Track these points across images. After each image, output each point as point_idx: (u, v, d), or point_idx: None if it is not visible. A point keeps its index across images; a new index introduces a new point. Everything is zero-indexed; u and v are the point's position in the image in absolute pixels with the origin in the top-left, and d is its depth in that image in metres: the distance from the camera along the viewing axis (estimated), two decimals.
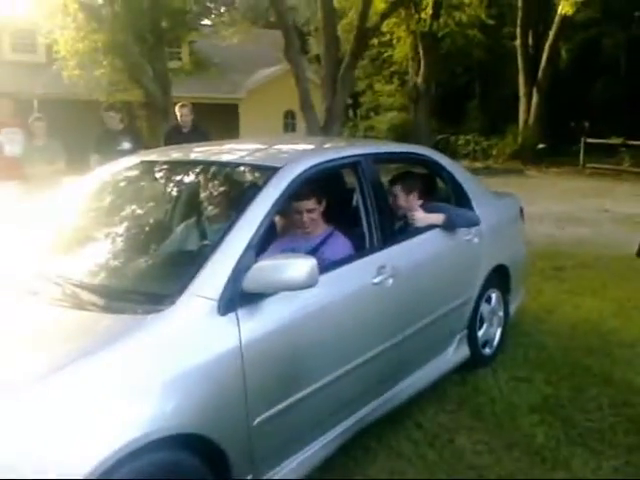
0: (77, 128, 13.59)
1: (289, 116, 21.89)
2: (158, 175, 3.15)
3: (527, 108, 21.45)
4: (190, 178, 3.05)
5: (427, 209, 3.48)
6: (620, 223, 9.55)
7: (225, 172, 2.93)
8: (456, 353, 3.63)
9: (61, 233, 2.89)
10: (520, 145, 20.52)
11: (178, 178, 3.14)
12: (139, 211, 3.05)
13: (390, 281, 2.89)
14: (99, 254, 2.65)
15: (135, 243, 2.79)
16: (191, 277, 2.17)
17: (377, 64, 24.35)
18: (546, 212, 10.60)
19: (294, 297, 2.36)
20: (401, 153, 3.71)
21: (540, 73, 21.00)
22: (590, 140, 18.47)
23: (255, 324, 2.23)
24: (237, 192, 2.75)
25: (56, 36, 13.74)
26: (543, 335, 4.50)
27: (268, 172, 2.63)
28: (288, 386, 2.38)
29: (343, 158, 3.08)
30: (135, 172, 3.21)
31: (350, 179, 3.16)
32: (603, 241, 8.19)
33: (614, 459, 2.92)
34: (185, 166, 3.13)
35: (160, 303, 2.08)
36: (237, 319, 2.17)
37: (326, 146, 3.74)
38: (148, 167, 3.24)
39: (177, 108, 6.78)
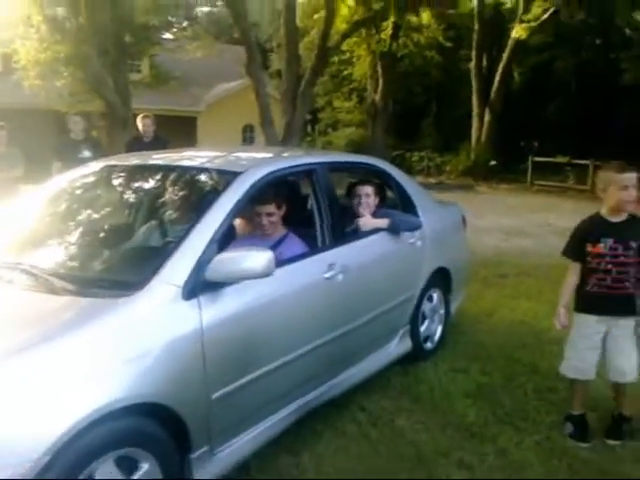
0: (36, 137, 13.61)
1: (248, 130, 22.20)
2: (122, 178, 3.40)
3: (480, 127, 22.31)
4: (153, 181, 3.29)
5: (376, 214, 3.83)
6: (562, 235, 9.87)
7: (187, 176, 3.19)
8: (399, 346, 3.95)
9: (32, 230, 3.10)
10: (472, 162, 21.31)
11: (141, 181, 3.38)
12: (105, 211, 3.28)
13: (340, 277, 3.19)
14: (69, 248, 2.88)
15: (102, 239, 3.02)
16: (159, 266, 2.43)
17: (337, 81, 24.97)
18: (494, 225, 11.14)
19: (251, 288, 2.63)
20: (354, 162, 4.05)
21: (493, 94, 21.91)
22: (537, 159, 19.38)
23: (215, 310, 2.49)
24: (200, 195, 3.01)
25: (16, 46, 13.73)
26: (481, 333, 4.88)
27: (230, 176, 2.91)
28: (243, 367, 2.64)
29: (300, 165, 3.41)
30: (100, 175, 3.46)
31: (305, 185, 3.46)
32: (545, 251, 8.67)
33: (536, 434, 3.27)
34: (148, 170, 3.38)
35: (130, 289, 2.33)
36: (199, 304, 2.43)
37: (284, 155, 4.05)
38: (112, 171, 3.48)
39: (139, 119, 6.97)
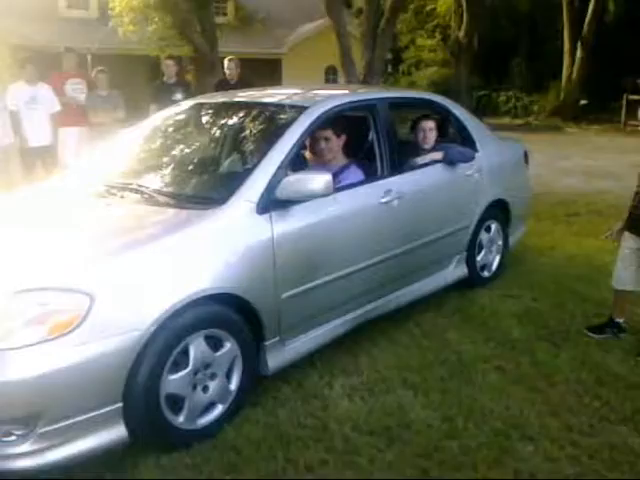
0: (132, 81, 14.45)
1: (330, 72, 22.28)
2: (209, 114, 3.94)
3: (571, 64, 21.32)
4: (234, 116, 3.80)
5: (435, 148, 4.16)
6: None
7: (263, 111, 3.66)
8: (454, 271, 4.32)
9: (137, 159, 3.72)
10: (562, 102, 20.53)
11: (225, 116, 3.90)
12: (195, 142, 3.82)
13: (395, 202, 3.59)
14: (167, 173, 3.46)
15: (193, 166, 3.58)
16: (237, 186, 2.93)
17: (420, 18, 24.34)
18: (577, 166, 11.00)
19: (315, 207, 3.10)
20: (414, 98, 4.38)
21: (585, 27, 20.77)
22: (633, 97, 18.38)
23: (284, 224, 2.97)
24: (273, 127, 3.45)
25: None
26: (540, 265, 5.15)
27: (298, 111, 3.35)
28: (308, 274, 3.13)
29: (361, 101, 3.80)
30: (190, 112, 3.99)
31: (367, 119, 3.82)
32: (624, 193, 8.49)
33: (573, 351, 3.59)
34: (230, 107, 3.91)
35: (215, 204, 2.86)
36: (270, 218, 2.93)
37: (348, 92, 4.43)
38: (200, 108, 4.01)
39: (225, 62, 7.44)
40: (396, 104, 4.02)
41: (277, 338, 3.05)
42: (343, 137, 3.70)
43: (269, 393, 3.09)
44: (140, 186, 3.16)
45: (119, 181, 3.30)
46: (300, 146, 3.28)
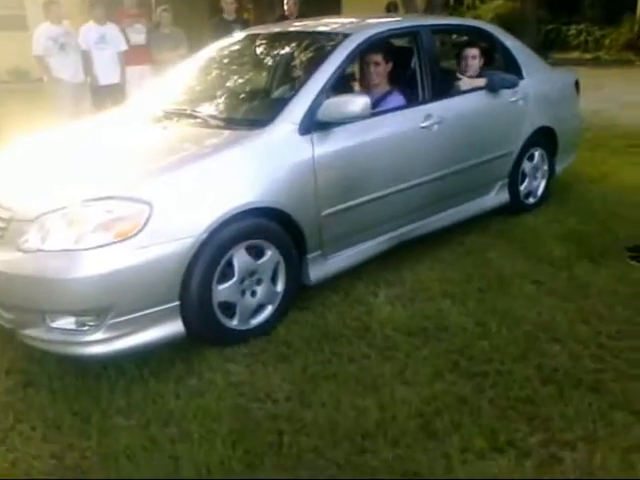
0: (194, 19, 14.60)
1: (392, 8, 21.68)
2: (261, 44, 4.13)
3: None
4: (285, 44, 4.00)
5: (480, 75, 4.23)
6: None
7: (310, 39, 3.80)
8: (496, 197, 4.42)
9: (192, 87, 4.00)
10: (636, 34, 19.34)
11: (276, 45, 4.09)
12: (247, 70, 4.05)
13: (435, 127, 3.72)
14: (219, 99, 3.70)
15: (242, 92, 3.82)
16: (281, 109, 3.15)
17: None
18: None
19: (356, 130, 3.28)
20: (459, 25, 4.42)
21: None
22: None
23: (326, 144, 3.17)
24: (317, 53, 3.59)
25: None
26: (591, 193, 5.15)
27: (340, 37, 3.50)
28: (348, 193, 3.33)
29: (403, 28, 3.89)
30: (244, 42, 4.23)
31: (410, 47, 3.93)
32: None
33: (613, 268, 3.69)
34: (281, 36, 4.10)
35: (260, 126, 3.10)
36: (312, 139, 3.13)
37: (391, 20, 4.50)
38: (254, 38, 4.23)
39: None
40: (440, 31, 4.08)
41: (319, 252, 3.29)
42: (390, 64, 3.83)
43: (318, 300, 3.37)
44: (194, 111, 3.43)
45: (175, 108, 3.58)
46: (342, 71, 3.43)
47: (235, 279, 2.90)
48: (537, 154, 4.64)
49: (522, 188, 4.61)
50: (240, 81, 3.95)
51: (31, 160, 3.28)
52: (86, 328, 2.63)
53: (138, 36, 7.39)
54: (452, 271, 3.73)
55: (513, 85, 4.21)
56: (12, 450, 2.33)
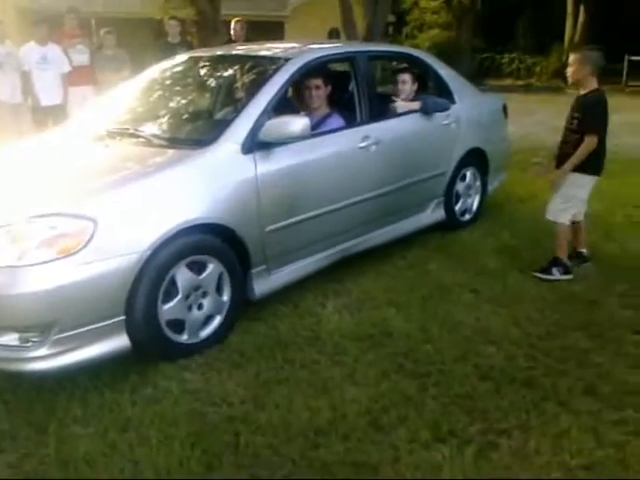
0: (137, 42, 14.58)
1: (333, 34, 22.12)
2: (203, 66, 4.25)
3: (573, 26, 21.24)
4: (228, 67, 4.11)
5: (414, 99, 4.46)
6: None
7: (252, 62, 3.93)
8: (433, 214, 4.66)
9: (135, 107, 4.04)
10: (563, 63, 20.44)
11: (219, 67, 4.21)
12: (189, 91, 4.14)
13: (373, 147, 3.90)
14: (162, 119, 3.77)
15: (186, 112, 3.90)
16: (224, 129, 3.26)
17: None
18: None
19: (296, 150, 3.42)
20: (393, 52, 4.67)
21: None
22: (634, 58, 18.36)
23: (268, 163, 3.30)
24: (259, 76, 3.72)
25: None
26: (521, 210, 5.49)
27: (281, 62, 3.66)
28: (290, 210, 3.45)
29: (341, 54, 4.10)
30: (186, 64, 4.33)
31: (348, 71, 4.12)
32: (614, 148, 8.75)
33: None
34: (223, 58, 4.22)
35: (204, 145, 3.19)
36: (254, 159, 3.25)
37: (330, 46, 4.71)
38: (196, 60, 4.33)
39: (232, 24, 7.60)
40: (376, 57, 4.29)
41: (263, 267, 3.40)
42: (329, 87, 4.01)
43: (269, 311, 3.50)
44: (137, 130, 3.49)
45: (117, 127, 3.63)
46: (284, 93, 3.58)
47: (180, 296, 2.96)
48: (469, 173, 4.91)
49: (457, 207, 4.85)
50: (183, 102, 4.03)
51: None
52: (29, 344, 2.62)
53: (81, 57, 7.36)
54: (395, 282, 3.93)
55: (445, 109, 4.46)
56: None
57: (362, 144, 3.85)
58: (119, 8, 17.23)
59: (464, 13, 20.84)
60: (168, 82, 4.22)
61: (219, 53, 4.33)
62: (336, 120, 4.01)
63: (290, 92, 4.04)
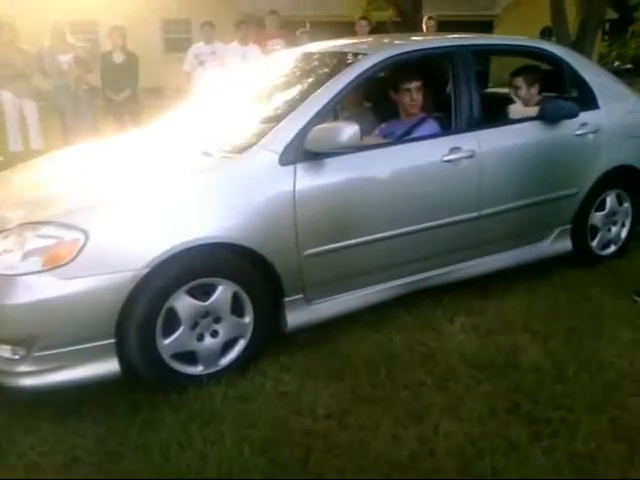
0: None
1: (546, 32, 20.42)
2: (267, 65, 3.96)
3: None
4: (296, 65, 3.65)
5: (537, 103, 3.64)
6: None
7: (323, 59, 3.48)
8: (554, 245, 3.75)
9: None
10: None
11: (287, 66, 3.69)
12: (241, 93, 3.74)
13: (464, 162, 3.21)
14: (201, 125, 3.48)
15: (229, 116, 3.49)
16: (261, 135, 2.86)
17: None
18: None
19: (354, 162, 2.91)
20: (511, 45, 3.78)
21: None
22: None
23: (311, 177, 2.81)
24: (321, 75, 3.23)
25: None
26: None
27: (350, 58, 3.17)
28: (337, 232, 2.92)
29: (434, 48, 3.43)
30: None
31: (445, 69, 3.44)
32: None
33: None
34: (306, 56, 3.71)
35: (236, 152, 2.83)
36: (294, 170, 2.79)
37: (419, 38, 4.00)
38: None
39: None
40: (485, 52, 3.55)
41: (300, 295, 2.94)
42: (421, 88, 3.43)
43: (390, 318, 3.24)
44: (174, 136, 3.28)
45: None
46: (344, 96, 3.05)
47: (182, 328, 2.63)
48: (613, 197, 3.89)
49: (595, 242, 3.92)
50: (232, 105, 3.64)
51: None
52: (16, 357, 2.49)
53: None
54: (543, 304, 3.41)
55: (572, 115, 3.52)
56: None
57: (448, 157, 3.18)
58: (326, 11, 17.77)
59: None
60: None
61: (305, 50, 3.84)
62: (430, 126, 3.40)
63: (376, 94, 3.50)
